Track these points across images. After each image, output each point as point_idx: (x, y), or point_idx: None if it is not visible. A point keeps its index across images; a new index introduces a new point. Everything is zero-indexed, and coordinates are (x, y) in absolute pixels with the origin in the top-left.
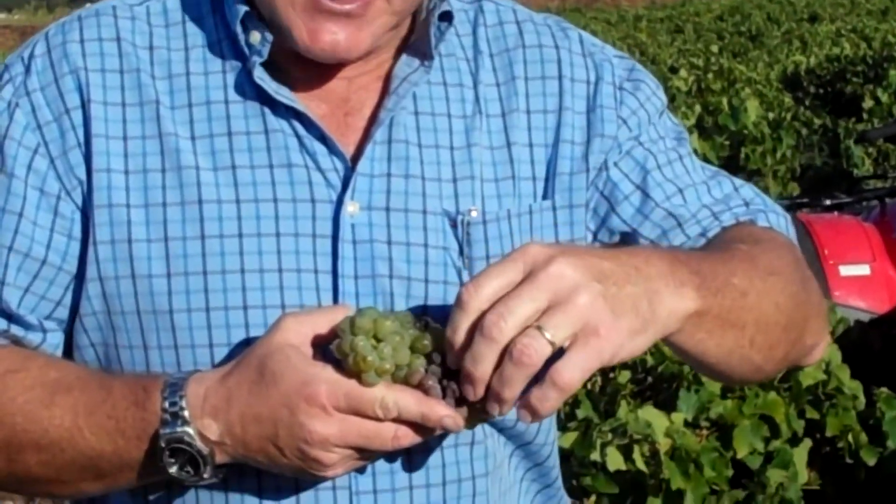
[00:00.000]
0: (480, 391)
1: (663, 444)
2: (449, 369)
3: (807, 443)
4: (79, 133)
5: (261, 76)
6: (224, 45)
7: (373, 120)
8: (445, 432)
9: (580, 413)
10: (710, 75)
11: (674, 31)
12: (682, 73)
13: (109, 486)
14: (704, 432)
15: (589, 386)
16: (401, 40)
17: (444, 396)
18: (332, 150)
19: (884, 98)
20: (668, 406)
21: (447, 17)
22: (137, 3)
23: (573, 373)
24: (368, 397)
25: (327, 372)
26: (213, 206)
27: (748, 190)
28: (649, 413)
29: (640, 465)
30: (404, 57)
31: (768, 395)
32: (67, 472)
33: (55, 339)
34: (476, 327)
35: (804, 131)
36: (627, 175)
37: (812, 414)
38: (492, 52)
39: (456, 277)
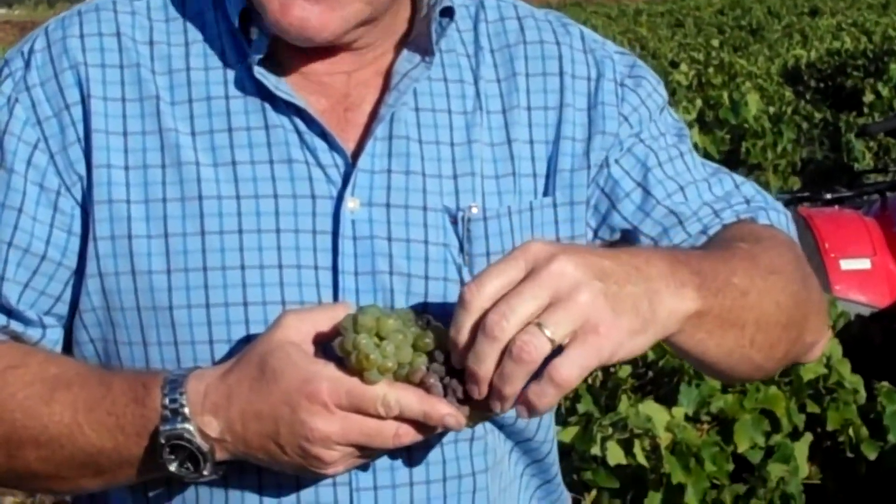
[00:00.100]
0: (485, 390)
1: (664, 439)
2: (451, 367)
3: (807, 437)
4: (79, 128)
5: (261, 72)
6: (225, 39)
7: (373, 116)
8: (446, 430)
9: (581, 407)
10: (711, 69)
11: (674, 26)
12: (683, 67)
13: (109, 483)
14: (705, 426)
15: (590, 380)
16: (401, 36)
17: (445, 395)
18: (333, 145)
19: (884, 92)
20: (668, 400)
21: (448, 12)
22: None
23: (571, 370)
24: (370, 395)
25: (329, 369)
26: (213, 202)
27: (749, 187)
28: (650, 407)
29: (641, 459)
30: (405, 52)
31: (769, 389)
32: (67, 468)
33: (55, 335)
34: (479, 326)
35: (805, 125)
36: (628, 172)
37: (813, 408)
38: (493, 48)
39: (456, 274)
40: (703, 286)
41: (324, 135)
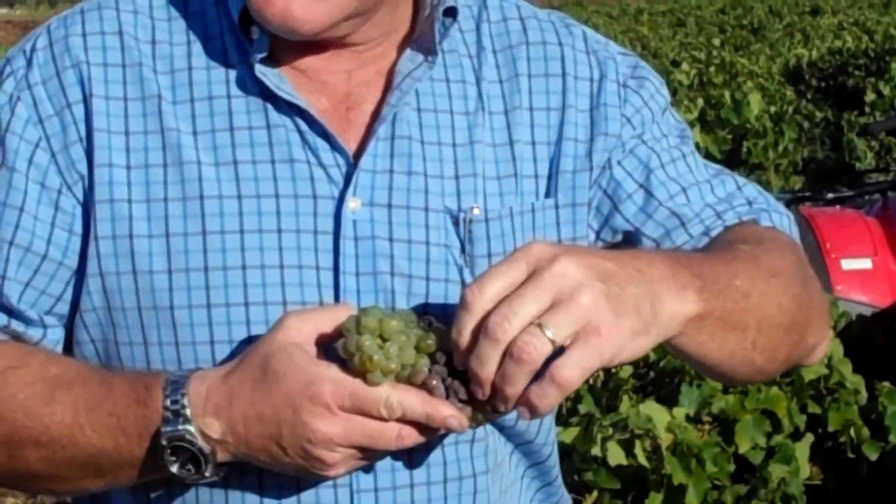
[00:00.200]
0: (487, 391)
1: (665, 439)
2: (452, 369)
3: (809, 438)
4: (80, 128)
5: (262, 71)
6: (227, 38)
7: (375, 116)
8: (448, 431)
9: (582, 408)
10: (712, 69)
11: (675, 25)
12: (684, 66)
13: (110, 484)
14: (706, 427)
15: (591, 381)
16: (404, 36)
17: (447, 396)
18: (334, 145)
19: (886, 91)
20: (669, 401)
21: (452, 12)
22: None
23: (573, 371)
24: (373, 397)
25: (332, 371)
26: (215, 202)
27: (751, 189)
28: (651, 408)
29: (642, 460)
30: (408, 52)
31: (770, 389)
32: (68, 468)
33: (56, 335)
34: (481, 328)
35: (806, 125)
36: (631, 174)
37: (814, 409)
38: (495, 48)
39: (457, 275)
40: (705, 289)
41: (325, 135)
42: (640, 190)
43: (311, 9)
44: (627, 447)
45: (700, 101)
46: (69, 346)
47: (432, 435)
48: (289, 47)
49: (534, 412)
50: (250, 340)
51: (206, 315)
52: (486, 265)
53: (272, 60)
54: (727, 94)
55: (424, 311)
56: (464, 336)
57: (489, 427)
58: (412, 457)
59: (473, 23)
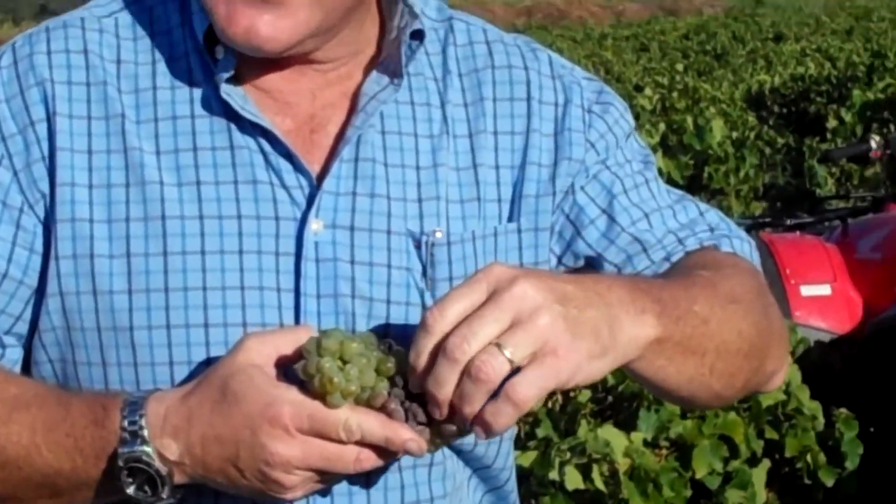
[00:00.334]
0: (445, 412)
1: (622, 464)
2: (410, 392)
3: (766, 463)
4: (43, 146)
5: (227, 91)
6: (192, 58)
7: (339, 138)
8: (407, 455)
9: (540, 432)
10: (675, 94)
11: (639, 50)
12: (647, 91)
13: None
14: (664, 452)
15: (549, 405)
16: (370, 58)
17: (406, 420)
18: (298, 167)
19: (847, 118)
20: (627, 425)
21: (418, 35)
22: (106, 14)
23: (529, 390)
24: (332, 419)
25: (291, 393)
26: (176, 223)
27: (713, 215)
28: (609, 432)
29: (599, 484)
30: (374, 74)
31: (728, 415)
32: (24, 489)
33: (14, 355)
34: (439, 350)
35: (768, 150)
36: (594, 199)
37: (771, 434)
38: (461, 71)
39: (418, 298)
40: (664, 313)
41: (289, 156)
42: (602, 215)
43: (276, 26)
44: (585, 471)
45: (662, 126)
46: (27, 366)
47: (391, 458)
48: (254, 67)
49: (489, 431)
50: (210, 362)
51: (165, 336)
52: (448, 288)
53: (237, 80)
54: (689, 119)
55: (385, 334)
56: (422, 358)
57: (447, 451)
58: (370, 480)
59: (440, 46)
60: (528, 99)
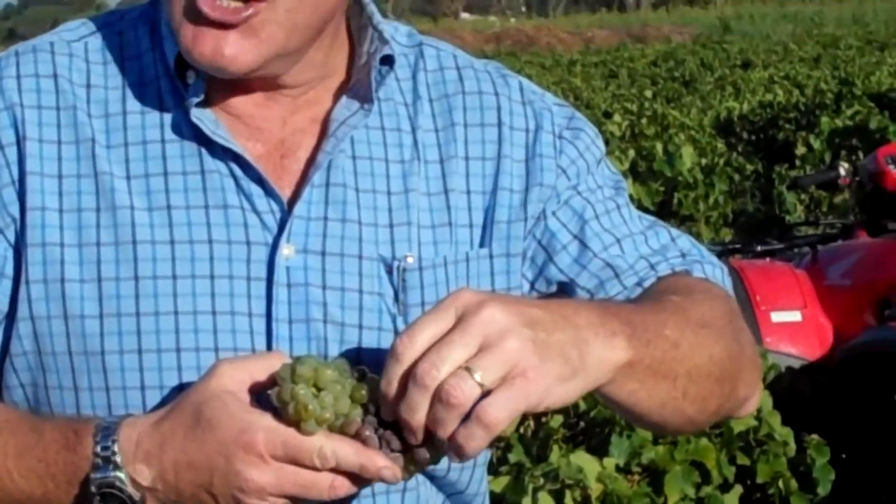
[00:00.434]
0: (420, 437)
1: (595, 490)
2: (383, 420)
3: (737, 489)
4: (13, 170)
5: (198, 116)
6: (162, 82)
7: (310, 163)
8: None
9: (512, 457)
10: (644, 120)
11: (608, 76)
12: (616, 117)
13: None
14: (636, 477)
15: (521, 430)
16: (340, 84)
17: (380, 447)
18: (269, 191)
19: (816, 145)
20: (600, 451)
21: (388, 60)
22: (75, 39)
23: (499, 412)
24: (307, 446)
25: (265, 420)
26: (147, 247)
27: (685, 240)
28: (581, 458)
29: None
30: (344, 100)
31: (700, 441)
32: None
33: None
34: (409, 377)
35: (737, 177)
36: (565, 225)
37: (743, 460)
38: (431, 97)
39: (390, 324)
40: (634, 336)
41: (260, 181)
42: (574, 241)
43: (240, 47)
44: (558, 497)
45: (632, 153)
46: None
47: (365, 485)
48: (224, 92)
49: (462, 455)
50: (182, 387)
51: (137, 360)
52: (420, 313)
53: (207, 105)
54: (659, 145)
55: (357, 360)
56: (393, 385)
57: (421, 477)
58: None
59: (410, 71)
60: (499, 125)
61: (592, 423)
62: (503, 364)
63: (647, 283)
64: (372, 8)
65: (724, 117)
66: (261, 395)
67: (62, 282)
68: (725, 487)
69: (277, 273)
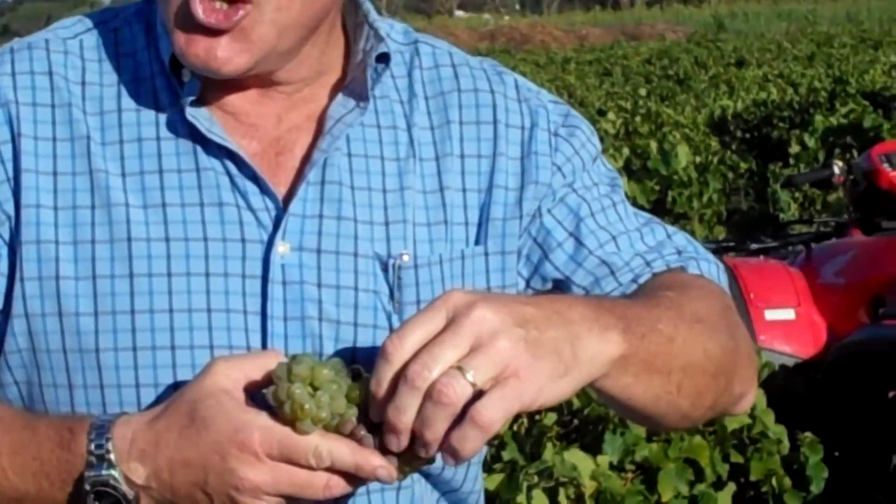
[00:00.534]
0: (405, 441)
1: (588, 487)
2: (371, 421)
3: (731, 487)
4: (8, 167)
5: (193, 114)
6: (157, 80)
7: (305, 160)
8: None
9: (506, 455)
10: (638, 118)
11: (602, 74)
12: (611, 115)
13: None
14: (630, 475)
15: (515, 428)
16: (335, 81)
17: (375, 446)
18: (264, 189)
19: (810, 143)
20: (593, 449)
21: (384, 58)
22: (71, 36)
23: (493, 412)
24: (303, 445)
25: (261, 418)
26: (142, 245)
27: (681, 237)
28: (575, 455)
29: None
30: (339, 97)
31: (693, 438)
32: None
33: None
34: (400, 378)
35: (731, 175)
36: (561, 222)
37: (736, 458)
38: (427, 95)
39: (386, 322)
40: (629, 330)
41: (255, 178)
42: (570, 238)
43: (233, 50)
44: (552, 495)
45: (626, 151)
46: None
47: (361, 485)
48: (219, 90)
49: (457, 457)
50: (176, 384)
51: (131, 358)
52: (415, 311)
53: (202, 103)
54: (653, 143)
55: (352, 358)
56: (382, 387)
57: (415, 475)
58: None
59: (405, 69)
60: (495, 122)
61: (586, 420)
62: (495, 364)
63: (642, 280)
64: (368, 5)
65: (719, 115)
66: (256, 394)
67: (57, 279)
68: (719, 485)
69: (273, 270)
